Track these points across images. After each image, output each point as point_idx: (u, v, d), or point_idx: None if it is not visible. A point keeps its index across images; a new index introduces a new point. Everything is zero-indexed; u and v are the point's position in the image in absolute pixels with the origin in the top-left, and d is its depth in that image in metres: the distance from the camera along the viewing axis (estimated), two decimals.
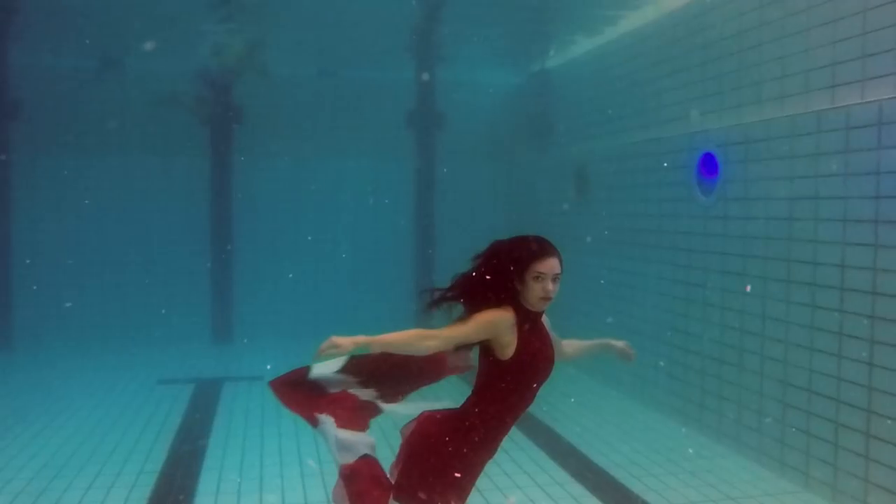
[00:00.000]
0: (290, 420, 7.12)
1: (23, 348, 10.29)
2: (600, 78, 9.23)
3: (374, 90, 11.66)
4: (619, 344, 3.47)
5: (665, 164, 7.41)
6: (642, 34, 8.21)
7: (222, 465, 5.89)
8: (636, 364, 7.42)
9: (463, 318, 3.00)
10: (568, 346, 3.39)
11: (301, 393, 3.30)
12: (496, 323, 2.95)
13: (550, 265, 3.02)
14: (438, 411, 3.17)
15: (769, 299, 5.87)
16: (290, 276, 11.38)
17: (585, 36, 9.81)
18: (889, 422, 4.74)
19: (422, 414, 3.19)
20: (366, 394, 3.32)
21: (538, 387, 3.09)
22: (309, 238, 11.29)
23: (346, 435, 3.22)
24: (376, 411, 3.36)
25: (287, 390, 3.33)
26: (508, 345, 2.97)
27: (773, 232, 5.85)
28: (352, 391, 3.31)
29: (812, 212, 5.45)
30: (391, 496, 3.09)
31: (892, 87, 4.85)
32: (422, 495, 3.02)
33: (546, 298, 3.01)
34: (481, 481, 3.25)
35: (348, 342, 2.78)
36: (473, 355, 3.19)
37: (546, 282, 2.99)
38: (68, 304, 10.14)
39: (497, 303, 2.99)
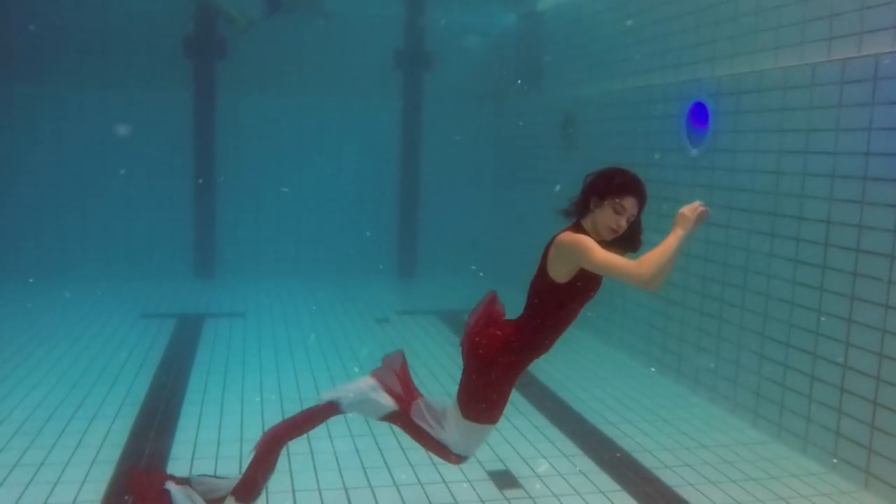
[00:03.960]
0: (271, 356, 7.17)
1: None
2: (590, 22, 9.08)
3: (362, 28, 11.42)
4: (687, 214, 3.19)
5: (653, 113, 7.34)
6: None
7: (203, 399, 5.91)
8: (613, 311, 7.46)
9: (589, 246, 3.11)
10: None
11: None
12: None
13: (632, 204, 3.20)
14: (499, 320, 3.48)
15: (753, 252, 5.89)
16: (272, 213, 11.36)
17: None
18: (862, 377, 4.82)
19: (484, 315, 3.49)
20: None
21: (582, 307, 3.33)
22: (285, 190, 11.15)
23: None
24: None
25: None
26: (574, 270, 3.15)
27: (759, 185, 5.84)
28: None
29: (801, 166, 5.43)
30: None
31: (890, 42, 4.80)
32: (471, 391, 3.37)
33: (615, 231, 3.19)
34: None
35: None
36: None
37: (622, 218, 3.18)
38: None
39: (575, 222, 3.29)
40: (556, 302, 3.24)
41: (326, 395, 3.53)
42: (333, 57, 11.41)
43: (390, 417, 3.55)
